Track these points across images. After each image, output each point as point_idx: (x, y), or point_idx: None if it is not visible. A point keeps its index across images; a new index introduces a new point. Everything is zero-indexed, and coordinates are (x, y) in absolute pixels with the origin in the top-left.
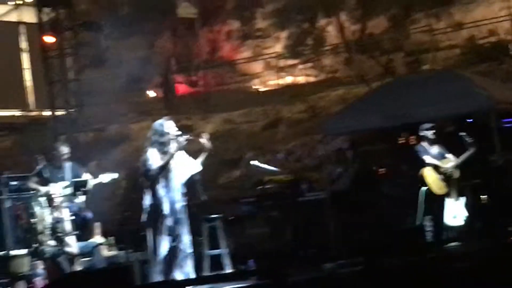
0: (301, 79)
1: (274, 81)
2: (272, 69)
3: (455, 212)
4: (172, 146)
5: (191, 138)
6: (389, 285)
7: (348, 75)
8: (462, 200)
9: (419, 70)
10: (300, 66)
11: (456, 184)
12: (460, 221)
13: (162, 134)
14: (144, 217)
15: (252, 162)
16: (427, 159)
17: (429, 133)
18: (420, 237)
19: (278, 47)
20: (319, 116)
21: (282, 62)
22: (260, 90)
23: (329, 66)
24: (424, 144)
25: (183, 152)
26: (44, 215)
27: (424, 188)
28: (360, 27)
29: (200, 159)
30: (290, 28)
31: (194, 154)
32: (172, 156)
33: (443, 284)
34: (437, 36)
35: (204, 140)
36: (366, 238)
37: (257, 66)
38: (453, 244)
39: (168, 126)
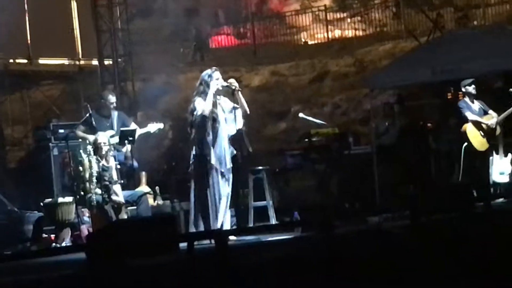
0: (349, 33)
1: (322, 34)
2: (320, 22)
3: (502, 168)
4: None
5: (225, 85)
6: (433, 240)
7: (396, 30)
8: (510, 156)
9: (468, 25)
10: (349, 20)
11: (501, 140)
12: (507, 178)
13: (209, 84)
14: (190, 167)
15: (299, 114)
16: (469, 115)
17: (470, 89)
18: (464, 193)
19: (327, 0)
20: (366, 70)
21: (331, 15)
22: (307, 43)
23: (377, 20)
24: (466, 99)
25: (231, 104)
26: (91, 163)
27: (465, 144)
28: None
29: (239, 111)
30: None
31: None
32: (213, 100)
33: (487, 240)
34: None
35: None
36: (411, 192)
37: (305, 19)
38: (499, 200)
39: (216, 76)
